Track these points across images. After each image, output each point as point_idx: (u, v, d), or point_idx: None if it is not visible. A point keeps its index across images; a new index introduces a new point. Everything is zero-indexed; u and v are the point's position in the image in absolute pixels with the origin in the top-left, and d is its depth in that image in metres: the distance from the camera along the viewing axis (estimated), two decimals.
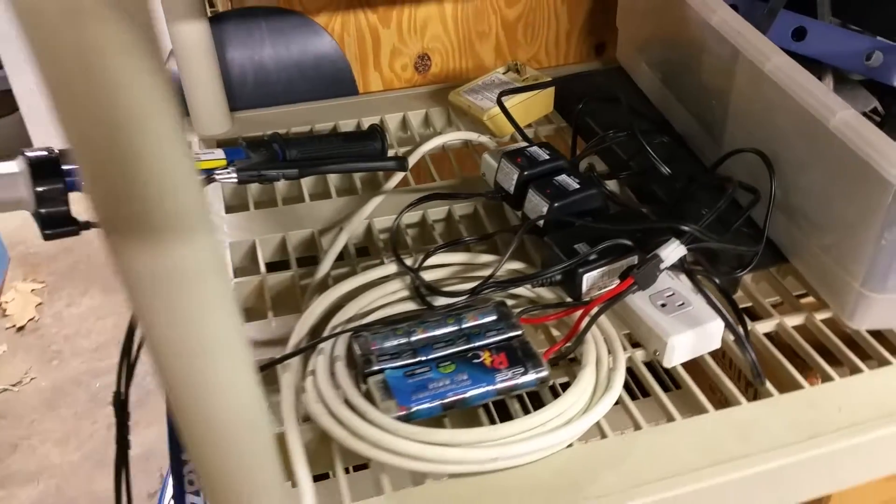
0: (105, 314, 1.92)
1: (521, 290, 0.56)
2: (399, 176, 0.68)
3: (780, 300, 0.58)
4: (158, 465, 1.54)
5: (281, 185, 0.69)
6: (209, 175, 0.57)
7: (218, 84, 0.74)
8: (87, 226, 0.53)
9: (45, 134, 2.26)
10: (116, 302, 1.93)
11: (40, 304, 1.95)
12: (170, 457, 0.68)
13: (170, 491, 1.23)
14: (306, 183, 0.69)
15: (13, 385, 1.71)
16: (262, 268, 0.60)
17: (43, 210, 0.50)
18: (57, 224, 0.51)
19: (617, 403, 0.49)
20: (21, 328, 1.86)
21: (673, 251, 0.50)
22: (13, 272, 2.04)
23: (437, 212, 0.66)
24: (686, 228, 0.51)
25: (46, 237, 0.51)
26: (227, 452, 0.34)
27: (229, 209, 0.67)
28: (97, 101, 0.23)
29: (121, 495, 0.60)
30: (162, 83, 0.24)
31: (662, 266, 0.50)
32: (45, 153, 0.51)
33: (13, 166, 0.50)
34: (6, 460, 1.53)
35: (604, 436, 0.47)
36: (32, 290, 1.99)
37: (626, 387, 0.50)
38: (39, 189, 0.50)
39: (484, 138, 0.72)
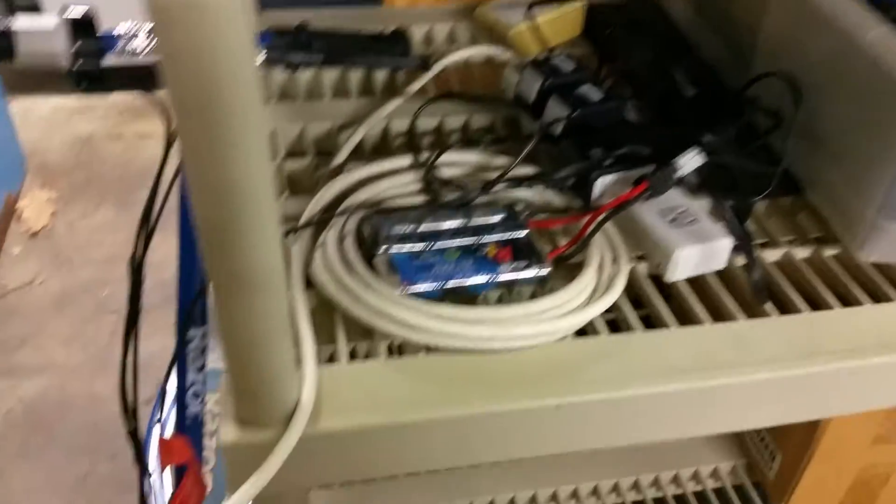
0: (117, 229, 1.94)
1: (530, 195, 0.56)
2: (420, 82, 0.68)
3: (792, 237, 0.58)
4: (156, 375, 1.56)
5: (302, 81, 0.69)
6: None
7: None
8: (121, 86, 0.54)
9: None
10: (129, 218, 1.95)
11: (54, 212, 1.97)
12: (176, 368, 0.69)
13: (167, 401, 1.25)
14: (327, 80, 0.69)
15: (25, 284, 1.74)
16: (280, 153, 0.61)
17: (77, 66, 0.51)
18: (91, 79, 0.51)
19: (615, 310, 0.50)
20: (35, 234, 1.89)
21: (690, 159, 0.50)
22: (30, 181, 2.06)
23: (454, 119, 0.66)
24: (705, 139, 0.51)
25: (83, 90, 0.52)
26: (248, 292, 0.35)
27: None
28: None
29: (126, 357, 0.61)
30: None
31: (678, 174, 0.50)
32: (84, 12, 0.51)
33: (51, 22, 0.51)
34: (15, 353, 1.57)
35: (598, 332, 0.48)
36: (48, 199, 2.01)
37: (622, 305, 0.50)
38: (76, 45, 0.50)
39: (508, 54, 0.72)
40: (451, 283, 0.48)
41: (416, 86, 0.68)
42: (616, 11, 0.78)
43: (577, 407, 0.44)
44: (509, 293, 0.50)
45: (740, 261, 0.53)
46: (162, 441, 0.55)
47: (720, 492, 0.85)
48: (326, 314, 0.48)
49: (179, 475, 0.70)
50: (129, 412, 0.62)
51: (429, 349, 0.46)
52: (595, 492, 0.84)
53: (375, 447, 0.43)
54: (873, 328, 0.50)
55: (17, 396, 1.53)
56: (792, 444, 0.78)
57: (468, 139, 0.65)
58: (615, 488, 0.84)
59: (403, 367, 0.45)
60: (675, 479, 0.86)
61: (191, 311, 0.68)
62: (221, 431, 0.41)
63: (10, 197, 1.93)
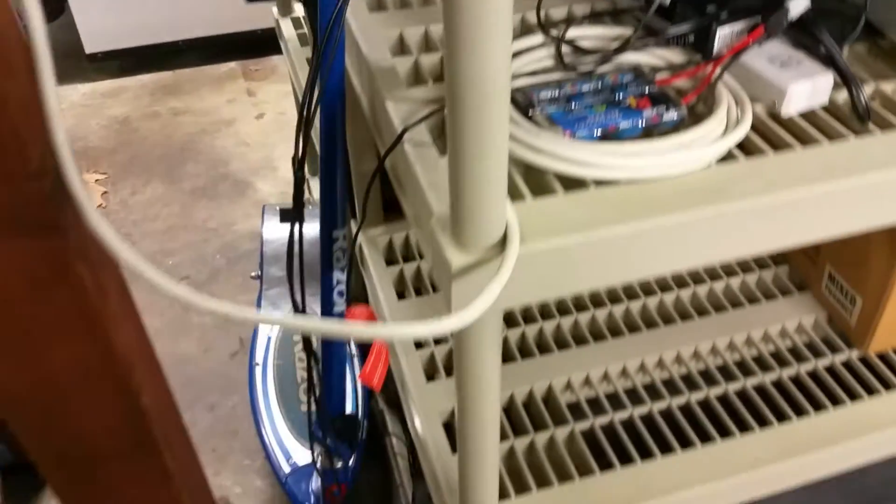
0: (170, 202, 2.01)
1: (651, 59, 0.63)
2: None
3: (880, 75, 0.66)
4: (236, 330, 1.65)
5: None
6: None
7: None
8: None
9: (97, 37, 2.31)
10: (178, 191, 2.02)
11: (105, 192, 2.04)
12: (321, 237, 0.77)
13: (261, 341, 1.34)
14: None
15: None
16: (414, 51, 0.69)
17: None
18: None
19: (745, 143, 0.57)
20: None
21: (799, 2, 0.58)
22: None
23: (559, 10, 0.73)
24: None
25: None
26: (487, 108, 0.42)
27: (372, 9, 0.75)
28: None
29: (292, 240, 0.68)
30: None
31: (789, 16, 0.58)
32: None
33: None
34: None
35: (736, 159, 0.56)
36: (96, 181, 2.08)
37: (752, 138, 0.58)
38: None
39: None
40: (605, 129, 0.56)
41: None
42: None
43: (732, 213, 0.52)
44: (652, 136, 0.58)
45: (840, 97, 0.61)
46: (348, 310, 0.63)
47: (810, 346, 0.94)
48: None
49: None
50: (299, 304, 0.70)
51: (597, 183, 0.54)
52: (695, 354, 0.92)
53: (572, 262, 0.51)
54: None
55: None
56: (871, 285, 0.87)
57: (583, 20, 0.72)
58: (713, 350, 0.93)
59: (580, 199, 0.53)
60: (766, 337, 0.94)
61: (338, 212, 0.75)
62: (448, 257, 0.49)
63: None
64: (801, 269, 1.00)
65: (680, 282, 1.02)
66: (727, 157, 0.56)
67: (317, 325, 0.40)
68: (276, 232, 1.48)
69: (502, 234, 0.49)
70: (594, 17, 0.69)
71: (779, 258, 1.04)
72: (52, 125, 0.36)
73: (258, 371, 1.29)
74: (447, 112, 0.43)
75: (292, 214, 0.66)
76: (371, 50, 0.69)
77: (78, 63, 2.38)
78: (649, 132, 0.57)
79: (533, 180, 0.56)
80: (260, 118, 2.23)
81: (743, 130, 0.56)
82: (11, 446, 1.32)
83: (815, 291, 0.97)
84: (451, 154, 0.45)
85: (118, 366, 0.44)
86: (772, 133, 0.59)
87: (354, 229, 0.86)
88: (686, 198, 0.52)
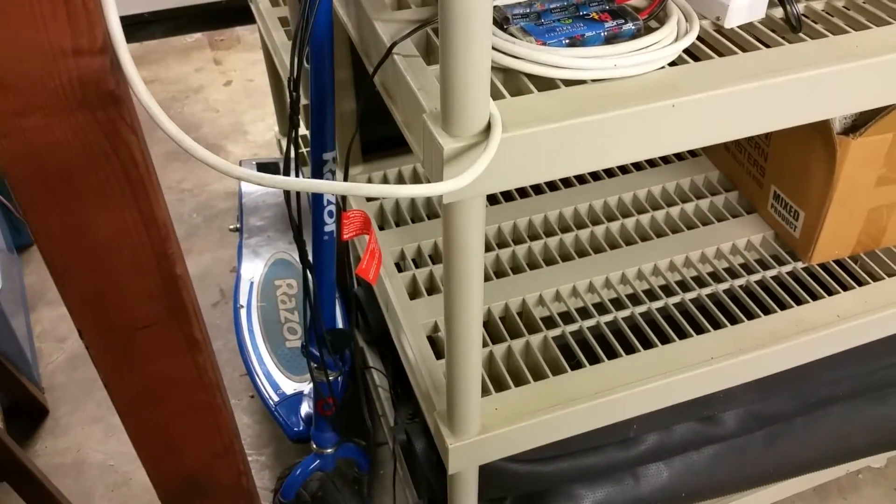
0: None
1: None
2: None
3: None
4: (217, 282, 1.70)
5: None
6: None
7: None
8: None
9: None
10: (152, 154, 2.05)
11: None
12: (312, 161, 0.83)
13: (244, 286, 1.40)
14: None
15: None
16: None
17: None
18: None
19: (694, 49, 0.65)
20: None
21: None
22: None
23: None
24: None
25: None
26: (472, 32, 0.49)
27: None
28: None
29: (289, 157, 0.74)
30: None
31: None
32: None
33: None
34: None
35: (687, 62, 0.64)
36: None
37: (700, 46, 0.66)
38: None
39: None
40: (573, 37, 0.63)
41: None
42: None
43: (686, 104, 0.60)
44: (613, 44, 0.65)
45: (777, 14, 0.70)
46: (344, 213, 0.70)
47: (759, 261, 1.03)
48: None
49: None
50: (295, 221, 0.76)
51: (566, 83, 0.62)
52: (655, 270, 1.01)
53: (548, 149, 0.59)
54: (880, 42, 0.67)
55: None
56: (812, 199, 0.96)
57: None
58: (671, 266, 1.02)
59: (552, 96, 0.61)
60: (718, 254, 1.03)
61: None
62: (440, 143, 0.56)
63: None
64: (749, 193, 1.10)
65: (640, 208, 1.10)
66: (678, 61, 0.64)
67: (319, 184, 0.47)
68: (253, 185, 1.53)
69: (486, 124, 0.56)
70: None
71: (728, 185, 1.13)
72: (109, 11, 0.42)
73: (243, 313, 1.35)
74: (440, 23, 0.50)
75: (289, 126, 0.72)
76: None
77: None
78: (611, 41, 0.65)
79: (511, 84, 0.63)
80: (228, 85, 2.27)
81: (691, 37, 0.64)
82: (8, 391, 1.36)
83: (763, 212, 1.07)
84: (443, 56, 0.52)
85: (158, 233, 0.50)
86: (717, 42, 0.67)
87: (341, 168, 0.92)
88: (643, 93, 0.60)
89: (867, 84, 0.66)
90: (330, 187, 0.48)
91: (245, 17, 1.48)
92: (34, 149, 0.44)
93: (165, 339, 0.55)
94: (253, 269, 1.42)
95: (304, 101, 0.87)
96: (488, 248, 1.03)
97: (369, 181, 1.12)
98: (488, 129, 0.56)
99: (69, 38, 0.41)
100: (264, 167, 1.55)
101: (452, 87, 0.54)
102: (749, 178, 1.08)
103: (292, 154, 0.70)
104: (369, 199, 1.10)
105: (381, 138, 1.14)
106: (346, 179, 0.81)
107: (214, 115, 2.15)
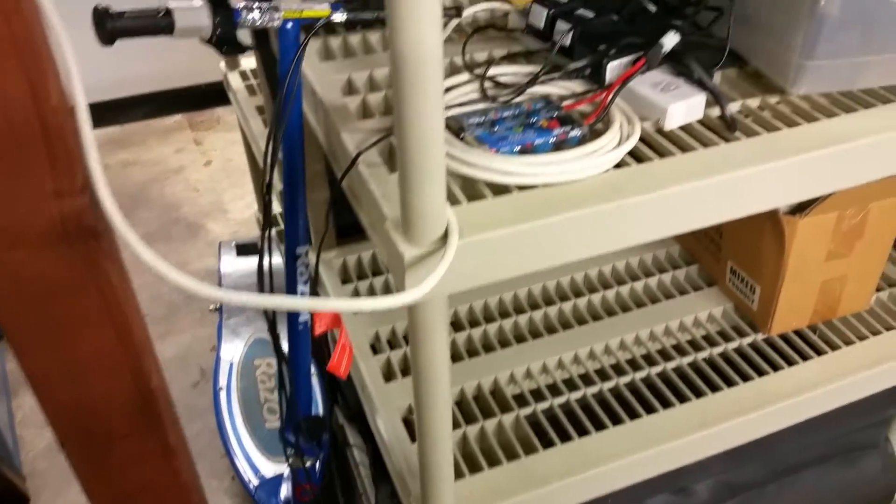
0: (123, 248, 2.07)
1: (557, 90, 0.77)
2: (450, 29, 0.88)
3: (745, 93, 0.80)
4: (196, 362, 1.72)
5: (356, 43, 0.89)
6: (327, 19, 0.76)
7: None
8: (249, 47, 0.72)
9: None
10: None
11: None
12: (286, 254, 0.87)
13: (224, 367, 1.42)
14: (373, 40, 0.89)
15: None
16: (362, 91, 0.80)
17: (219, 32, 0.69)
18: (229, 44, 0.70)
19: (636, 151, 0.70)
20: None
21: (670, 38, 0.71)
22: None
23: (480, 56, 0.86)
24: (677, 23, 0.72)
25: (224, 53, 0.70)
26: (428, 144, 0.54)
27: (323, 59, 0.86)
28: None
29: (262, 268, 0.78)
30: None
31: (663, 50, 0.71)
32: None
33: (197, 2, 0.69)
34: None
35: (629, 165, 0.69)
36: None
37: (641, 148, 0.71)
38: (217, 18, 0.69)
39: (507, 6, 0.93)
40: (523, 146, 0.68)
41: (445, 32, 0.88)
42: None
43: (626, 207, 0.65)
44: (561, 150, 0.70)
45: (714, 113, 0.75)
46: (315, 315, 0.73)
47: (721, 333, 1.07)
48: None
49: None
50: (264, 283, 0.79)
51: (519, 188, 0.66)
52: (622, 345, 1.05)
53: (502, 251, 0.63)
54: (812, 137, 0.72)
55: None
56: (766, 274, 1.01)
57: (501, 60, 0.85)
58: (637, 340, 1.05)
59: (505, 201, 0.65)
60: (682, 327, 1.07)
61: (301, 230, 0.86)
62: (401, 251, 0.60)
63: None
64: (708, 267, 1.14)
65: (606, 283, 1.15)
66: (621, 163, 0.69)
67: (289, 301, 0.51)
68: (233, 265, 1.57)
69: (444, 231, 0.60)
70: (510, 58, 0.82)
71: (689, 259, 1.18)
72: (89, 152, 0.47)
73: (223, 395, 1.37)
74: (397, 140, 0.55)
75: (262, 227, 0.76)
76: (325, 91, 0.80)
77: None
78: (559, 147, 0.70)
79: (467, 189, 0.68)
80: (208, 165, 2.32)
81: (633, 141, 0.69)
82: None
83: (722, 286, 1.11)
84: (401, 170, 0.56)
85: (134, 351, 0.53)
86: (657, 144, 0.72)
87: (314, 251, 0.96)
88: (589, 196, 0.65)
89: (798, 179, 0.71)
90: (293, 304, 0.51)
91: (224, 97, 1.54)
92: (18, 277, 0.47)
93: (142, 447, 0.58)
94: (233, 350, 1.45)
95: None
96: (460, 328, 1.06)
97: (344, 265, 1.16)
98: (446, 235, 0.60)
99: (52, 181, 0.45)
100: (244, 248, 1.59)
101: (410, 198, 0.58)
102: (707, 254, 1.13)
103: (265, 264, 0.74)
104: (344, 283, 1.13)
105: (356, 222, 1.18)
106: (317, 266, 0.85)
107: (195, 194, 2.20)
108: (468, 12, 0.92)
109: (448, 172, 0.67)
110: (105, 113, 2.48)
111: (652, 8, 0.84)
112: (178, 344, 1.75)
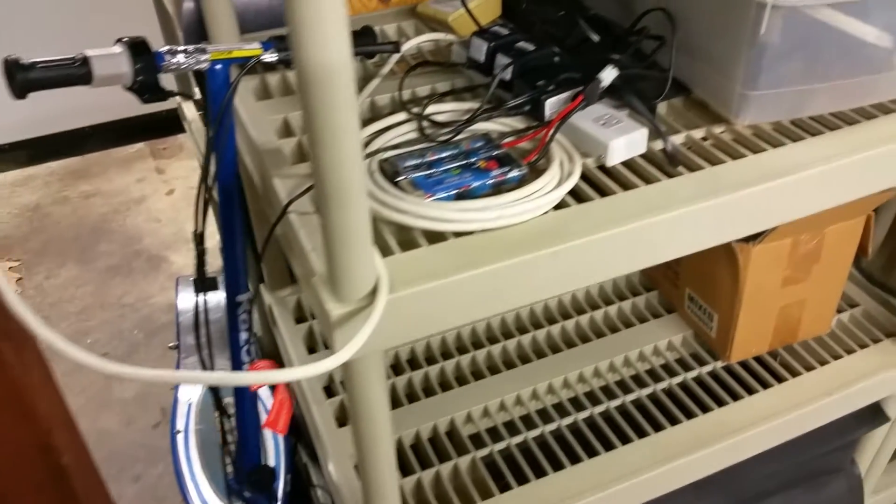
0: (84, 283, 2.03)
1: (498, 126, 0.74)
2: (388, 66, 0.86)
3: (690, 124, 0.79)
4: (157, 401, 1.67)
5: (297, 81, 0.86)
6: (257, 59, 0.74)
7: (230, 13, 0.90)
8: (172, 94, 0.69)
9: None
10: (92, 271, 2.04)
11: (20, 279, 2.05)
12: (227, 302, 0.84)
13: (181, 409, 1.38)
14: None
15: None
16: (297, 132, 0.78)
17: (140, 79, 0.66)
18: (151, 91, 0.67)
19: (577, 190, 0.68)
20: None
21: (609, 73, 0.70)
22: None
23: (423, 89, 0.84)
24: (616, 57, 0.70)
25: (145, 101, 0.67)
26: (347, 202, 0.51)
27: (259, 98, 0.84)
28: None
29: (199, 331, 0.76)
30: None
31: (602, 85, 0.70)
32: (137, 38, 0.67)
33: (116, 49, 0.66)
34: None
35: (569, 205, 0.67)
36: (10, 268, 2.08)
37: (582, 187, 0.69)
38: (137, 65, 0.66)
39: (451, 37, 0.91)
40: (461, 189, 0.66)
41: (387, 67, 0.86)
42: None
43: (566, 251, 0.63)
44: (500, 192, 0.68)
45: (656, 146, 0.73)
46: (252, 365, 0.70)
47: (680, 361, 1.06)
48: (373, 229, 0.65)
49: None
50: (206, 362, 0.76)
51: (456, 234, 0.64)
52: (581, 378, 1.03)
53: (436, 304, 0.60)
54: (756, 169, 0.70)
55: None
56: (722, 301, 0.99)
57: (441, 96, 0.83)
58: (596, 372, 1.03)
59: (441, 249, 0.63)
60: (641, 357, 1.05)
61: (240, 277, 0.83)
62: (328, 309, 0.57)
63: None
64: (667, 293, 1.13)
65: (565, 313, 1.12)
66: (562, 204, 0.67)
67: (212, 376, 0.48)
68: (190, 302, 1.52)
69: (373, 286, 0.58)
70: (453, 93, 0.80)
71: (649, 285, 1.16)
72: None
73: (180, 438, 1.33)
74: (316, 192, 0.52)
75: (197, 284, 0.73)
76: (258, 133, 0.78)
77: None
78: (498, 188, 0.68)
79: (402, 237, 0.65)
80: (170, 194, 2.28)
81: (572, 181, 0.67)
82: None
83: (681, 312, 1.10)
84: (323, 229, 0.54)
85: (40, 427, 0.50)
86: (599, 181, 0.70)
87: (264, 291, 0.93)
88: (526, 242, 0.63)
89: (741, 214, 0.70)
90: (202, 378, 0.48)
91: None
92: None
93: None
94: (190, 391, 1.40)
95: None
96: (416, 366, 1.03)
97: (298, 303, 1.13)
98: (375, 290, 0.58)
99: None
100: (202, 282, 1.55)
101: (335, 253, 0.55)
102: (666, 281, 1.11)
103: (202, 340, 0.71)
104: (298, 322, 1.10)
105: None
106: (254, 301, 0.81)
107: (157, 225, 2.16)
108: (412, 43, 0.90)
109: (381, 220, 0.65)
110: (65, 143, 2.44)
111: (595, 37, 0.83)
112: (139, 383, 1.71)
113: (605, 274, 0.67)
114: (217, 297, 1.18)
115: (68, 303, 1.96)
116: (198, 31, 0.93)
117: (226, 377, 0.48)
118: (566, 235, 0.63)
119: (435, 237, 0.64)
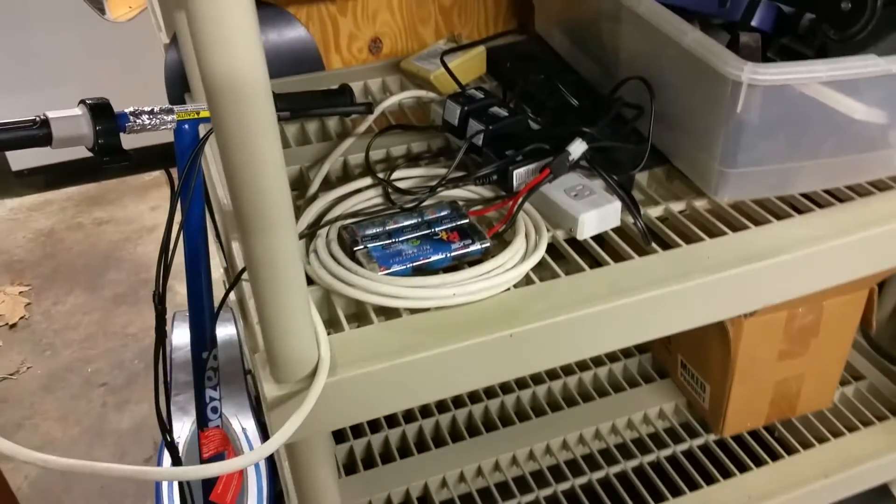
0: (90, 310, 2.03)
1: (466, 194, 0.72)
2: (365, 124, 0.84)
3: (670, 196, 0.75)
4: (150, 434, 1.66)
5: None
6: None
7: None
8: (132, 159, 0.68)
9: None
10: (99, 299, 2.05)
11: (29, 304, 2.06)
12: (192, 359, 0.82)
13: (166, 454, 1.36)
14: (290, 132, 0.85)
15: (11, 374, 1.82)
16: None
17: (101, 142, 0.65)
18: (112, 153, 0.66)
19: (543, 265, 0.65)
20: (13, 326, 1.97)
21: (578, 146, 0.67)
22: (0, 278, 2.15)
23: (397, 148, 0.82)
24: (587, 130, 0.68)
25: (105, 164, 0.66)
26: (282, 282, 0.49)
27: None
28: None
29: (159, 378, 0.74)
30: None
31: (570, 158, 0.67)
32: (99, 100, 0.66)
33: (76, 110, 0.65)
34: (13, 437, 1.64)
35: (533, 282, 0.64)
36: (20, 293, 2.10)
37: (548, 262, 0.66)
38: (98, 127, 0.65)
39: (432, 94, 0.89)
40: (418, 262, 0.63)
41: (363, 126, 0.84)
42: (510, 49, 0.96)
43: (525, 333, 0.59)
44: (461, 265, 0.65)
45: (631, 218, 0.70)
46: (202, 434, 0.68)
47: (670, 431, 1.01)
48: (325, 302, 0.63)
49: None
50: (165, 423, 0.74)
51: (410, 311, 0.61)
52: (564, 444, 0.99)
53: (381, 387, 0.58)
54: (735, 249, 0.67)
55: (22, 475, 1.61)
56: (714, 373, 0.95)
57: (411, 160, 0.81)
58: (580, 439, 0.99)
59: (393, 326, 0.60)
60: (630, 424, 1.01)
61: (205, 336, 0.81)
62: (264, 390, 0.55)
63: None
64: (660, 356, 1.08)
65: (552, 374, 1.09)
66: (525, 280, 0.64)
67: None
68: (185, 338, 1.51)
69: (313, 367, 0.55)
70: (426, 157, 0.78)
71: (641, 347, 1.12)
72: None
73: (164, 482, 1.31)
74: (251, 278, 0.50)
75: (156, 346, 0.72)
76: (225, 193, 0.76)
77: (5, 179, 2.43)
78: (458, 262, 0.65)
79: (356, 309, 0.63)
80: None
81: (536, 258, 0.64)
82: None
83: (674, 378, 1.05)
84: (258, 310, 0.52)
85: None
86: (568, 256, 0.67)
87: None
88: (482, 323, 0.60)
89: (717, 298, 0.66)
90: (171, 474, 0.46)
91: None
92: None
93: None
94: (180, 429, 1.39)
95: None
96: (395, 425, 1.00)
97: None
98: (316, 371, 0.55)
99: None
100: (161, 343, 1.54)
101: (271, 336, 0.53)
102: (659, 343, 1.07)
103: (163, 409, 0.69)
104: None
105: None
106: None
107: None
108: (392, 101, 0.88)
109: (334, 293, 0.63)
110: (82, 170, 2.47)
111: (575, 102, 0.80)
112: (134, 415, 1.70)
113: (567, 357, 0.63)
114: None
115: (73, 330, 1.97)
116: (179, 83, 0.92)
117: (175, 472, 0.46)
118: (525, 317, 0.60)
119: (389, 312, 0.62)
